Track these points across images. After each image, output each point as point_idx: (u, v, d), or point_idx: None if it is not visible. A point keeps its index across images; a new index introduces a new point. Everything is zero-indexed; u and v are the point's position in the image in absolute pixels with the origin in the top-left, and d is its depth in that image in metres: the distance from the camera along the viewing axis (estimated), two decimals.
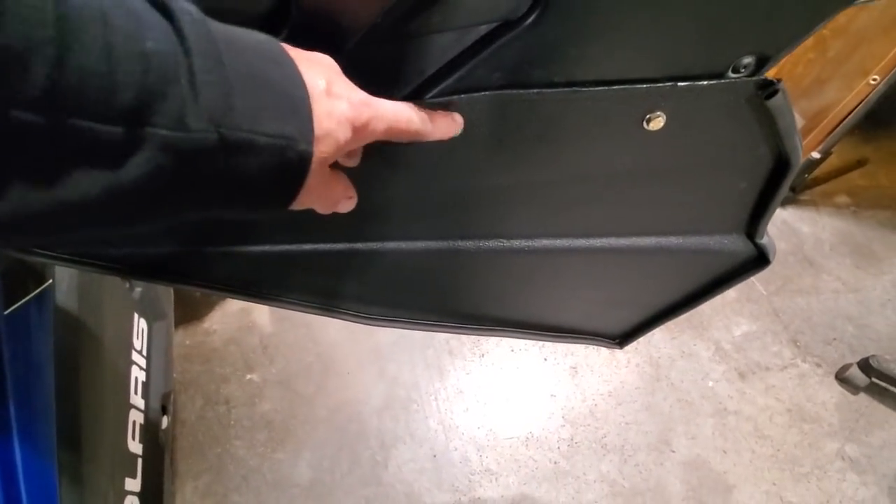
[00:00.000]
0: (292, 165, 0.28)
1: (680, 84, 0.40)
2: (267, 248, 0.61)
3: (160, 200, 0.24)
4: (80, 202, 0.21)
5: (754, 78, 0.40)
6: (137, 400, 0.88)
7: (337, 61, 0.35)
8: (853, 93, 1.48)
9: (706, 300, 0.65)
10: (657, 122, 0.43)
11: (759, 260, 0.58)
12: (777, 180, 0.49)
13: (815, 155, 1.61)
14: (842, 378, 1.50)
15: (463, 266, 0.63)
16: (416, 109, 0.38)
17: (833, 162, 1.74)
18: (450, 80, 0.41)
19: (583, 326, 0.75)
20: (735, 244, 0.57)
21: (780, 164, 0.47)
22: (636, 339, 0.74)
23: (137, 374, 0.89)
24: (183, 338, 1.47)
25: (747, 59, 0.39)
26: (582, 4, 0.36)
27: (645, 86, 0.40)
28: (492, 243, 0.60)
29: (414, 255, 0.61)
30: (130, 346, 0.89)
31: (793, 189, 1.80)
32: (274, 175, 0.27)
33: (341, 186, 0.37)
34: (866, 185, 1.88)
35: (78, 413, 0.70)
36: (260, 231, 0.59)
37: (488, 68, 0.40)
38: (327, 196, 0.35)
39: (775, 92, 0.39)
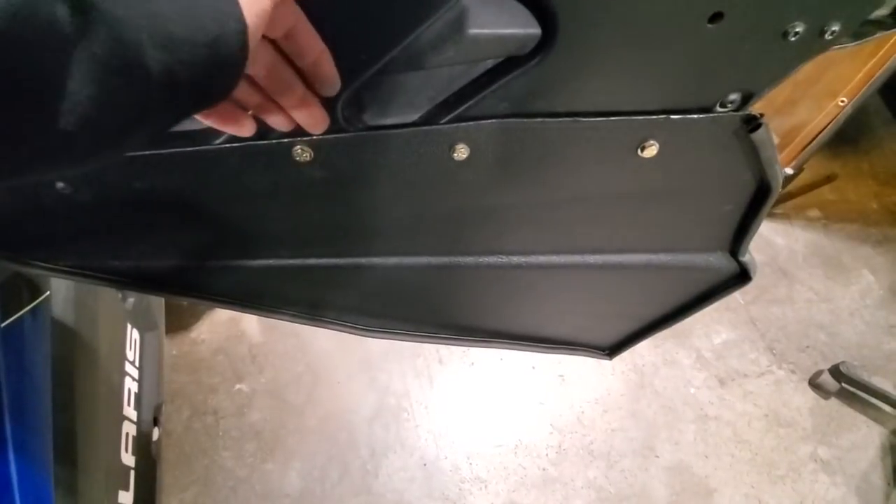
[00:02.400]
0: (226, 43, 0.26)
1: (672, 117, 0.43)
2: (269, 262, 0.62)
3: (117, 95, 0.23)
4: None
5: (740, 112, 0.43)
6: (130, 412, 0.87)
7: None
8: (823, 113, 1.56)
9: (692, 314, 0.68)
10: (651, 150, 0.46)
11: (742, 276, 0.61)
12: (759, 204, 0.53)
13: (789, 171, 1.68)
14: (815, 384, 1.57)
15: (460, 280, 0.65)
16: None
17: (805, 177, 1.83)
18: (460, 109, 0.44)
19: (574, 338, 0.78)
20: (719, 261, 0.61)
21: (762, 189, 0.51)
22: (625, 350, 0.77)
23: (130, 386, 0.89)
24: (170, 347, 1.46)
25: (734, 96, 0.42)
26: (585, 46, 0.39)
27: (640, 117, 0.44)
28: (490, 259, 0.62)
29: (414, 270, 0.63)
30: (124, 358, 0.89)
31: None
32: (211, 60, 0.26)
33: (309, 39, 0.33)
34: (835, 200, 1.97)
35: (73, 426, 0.70)
36: (262, 245, 0.61)
37: (496, 99, 0.43)
38: (270, 66, 0.32)
39: (759, 126, 0.43)
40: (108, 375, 0.82)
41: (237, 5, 0.27)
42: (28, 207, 0.52)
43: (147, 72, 0.24)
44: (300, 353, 1.49)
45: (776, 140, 1.81)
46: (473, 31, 0.38)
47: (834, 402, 1.55)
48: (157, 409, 0.99)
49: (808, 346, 1.65)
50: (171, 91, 0.25)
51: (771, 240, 1.87)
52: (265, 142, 0.44)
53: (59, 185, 0.48)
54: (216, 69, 0.27)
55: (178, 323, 1.49)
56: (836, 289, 1.77)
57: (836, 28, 0.38)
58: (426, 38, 0.38)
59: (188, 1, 0.25)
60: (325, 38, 0.35)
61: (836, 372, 1.52)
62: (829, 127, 1.58)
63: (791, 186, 1.83)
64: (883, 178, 2.03)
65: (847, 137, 1.98)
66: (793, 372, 1.60)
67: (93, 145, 0.24)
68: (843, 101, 1.51)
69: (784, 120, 1.66)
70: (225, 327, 1.51)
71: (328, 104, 0.41)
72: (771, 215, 1.93)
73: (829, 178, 1.93)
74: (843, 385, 1.53)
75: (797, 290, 1.76)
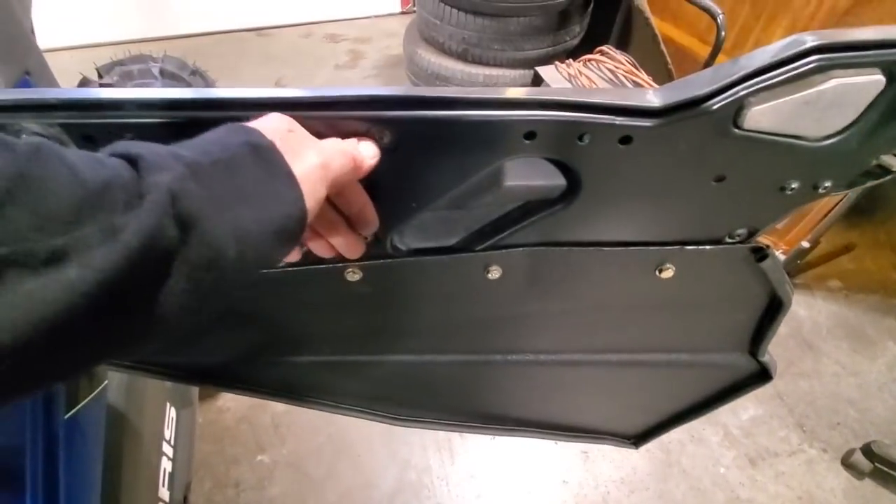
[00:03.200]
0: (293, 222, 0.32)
1: (686, 247, 0.48)
2: (311, 358, 0.67)
3: (135, 281, 0.25)
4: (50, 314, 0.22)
5: (747, 245, 0.48)
6: (164, 492, 0.89)
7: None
8: None
9: (717, 408, 0.70)
10: (668, 272, 0.51)
11: (763, 375, 0.64)
12: (773, 315, 0.56)
13: (805, 244, 1.71)
14: (847, 463, 1.51)
15: (489, 374, 0.69)
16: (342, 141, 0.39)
17: (823, 248, 1.85)
18: (494, 239, 0.49)
19: (600, 427, 0.79)
20: (739, 361, 0.64)
21: (776, 303, 0.55)
22: (651, 440, 0.78)
23: (166, 466, 0.91)
24: (197, 416, 1.48)
25: (741, 230, 0.47)
26: (605, 198, 0.44)
27: (657, 248, 0.49)
28: (518, 357, 0.66)
29: (445, 366, 0.67)
30: (161, 437, 0.92)
31: (788, 273, 1.89)
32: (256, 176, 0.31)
33: (358, 201, 0.40)
34: (855, 269, 1.97)
35: None
36: (307, 344, 0.65)
37: (525, 232, 0.49)
38: (352, 209, 0.39)
39: (765, 256, 0.48)
40: (149, 457, 0.85)
41: (301, 197, 0.33)
42: None
43: (226, 262, 0.29)
44: (322, 423, 1.50)
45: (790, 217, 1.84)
46: (509, 183, 0.45)
47: (868, 483, 1.48)
48: (187, 488, 1.01)
49: (838, 423, 1.60)
50: (242, 267, 0.30)
51: (794, 311, 1.86)
52: (323, 266, 0.50)
53: None
54: (280, 245, 0.33)
55: (204, 391, 1.52)
56: (862, 362, 1.73)
57: (828, 183, 0.43)
58: (468, 187, 0.45)
59: (262, 201, 0.31)
60: (378, 189, 0.41)
61: (868, 451, 1.47)
62: (842, 201, 1.62)
63: (810, 257, 1.84)
64: None
65: (863, 208, 2.00)
66: (824, 451, 1.54)
67: (178, 323, 0.29)
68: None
69: None
70: (249, 397, 1.54)
71: (380, 237, 0.47)
72: (792, 285, 1.93)
73: (847, 248, 1.94)
74: (877, 465, 1.46)
75: (823, 364, 1.73)
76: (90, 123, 0.36)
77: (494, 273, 0.52)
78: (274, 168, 0.32)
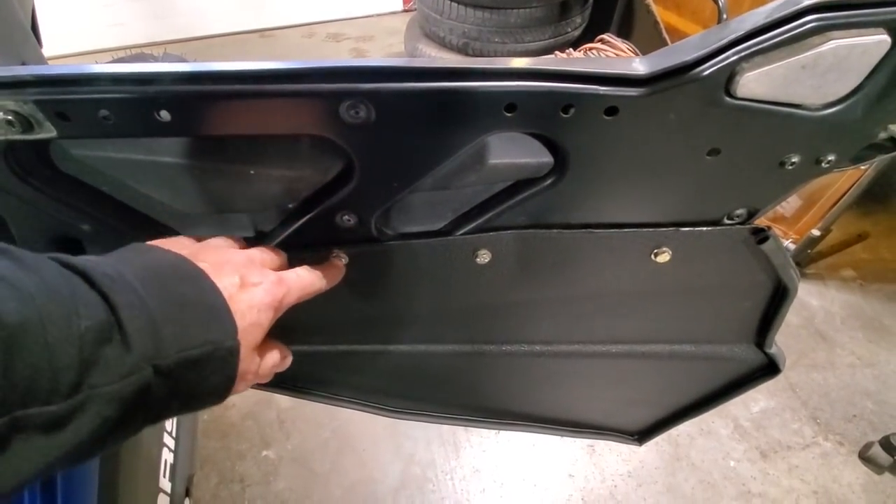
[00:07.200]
0: (224, 360, 0.32)
1: (682, 229, 0.46)
2: (303, 348, 0.66)
3: (111, 436, 0.28)
4: (37, 471, 0.25)
5: (746, 225, 0.46)
6: (165, 483, 0.89)
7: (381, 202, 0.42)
8: (845, 176, 1.56)
9: (722, 403, 0.67)
10: (664, 257, 0.49)
11: (770, 368, 0.61)
12: (779, 302, 0.53)
13: (815, 232, 1.67)
14: (865, 457, 1.47)
15: (484, 366, 0.67)
16: (311, 270, 0.43)
17: (835, 236, 1.80)
18: (480, 221, 0.48)
19: (602, 423, 0.77)
20: (745, 353, 0.61)
21: (781, 290, 0.52)
22: (655, 436, 0.76)
23: (167, 457, 0.91)
24: (201, 412, 1.49)
25: (740, 210, 0.45)
26: (593, 175, 0.43)
27: (650, 229, 0.47)
28: (513, 347, 0.64)
29: (439, 356, 0.65)
30: (163, 428, 0.92)
31: (798, 263, 1.85)
32: (210, 374, 0.32)
33: (276, 356, 0.41)
34: (869, 259, 1.92)
35: (115, 500, 0.72)
36: (298, 334, 0.64)
37: (513, 213, 0.47)
38: (265, 371, 0.40)
39: (766, 238, 0.45)
40: (149, 448, 0.86)
41: (236, 371, 0.33)
42: None
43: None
44: (327, 419, 1.50)
45: (797, 202, 1.80)
46: (493, 160, 0.43)
47: (888, 478, 1.44)
48: (189, 480, 1.01)
49: (854, 416, 1.56)
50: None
51: (805, 301, 1.81)
52: (308, 253, 0.49)
53: None
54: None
55: None
56: (880, 353, 1.69)
57: (831, 158, 0.41)
58: (451, 166, 0.43)
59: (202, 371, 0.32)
60: (357, 168, 0.40)
61: (887, 444, 1.42)
62: (853, 188, 1.58)
63: (822, 246, 1.80)
64: None
65: (877, 196, 1.95)
66: (840, 444, 1.50)
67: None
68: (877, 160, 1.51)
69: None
70: (255, 392, 1.54)
71: (364, 219, 0.46)
72: (803, 275, 1.89)
73: (860, 237, 1.89)
74: None
75: (838, 355, 1.68)
76: (64, 99, 0.35)
77: (483, 257, 0.51)
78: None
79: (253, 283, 0.36)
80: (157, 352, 0.29)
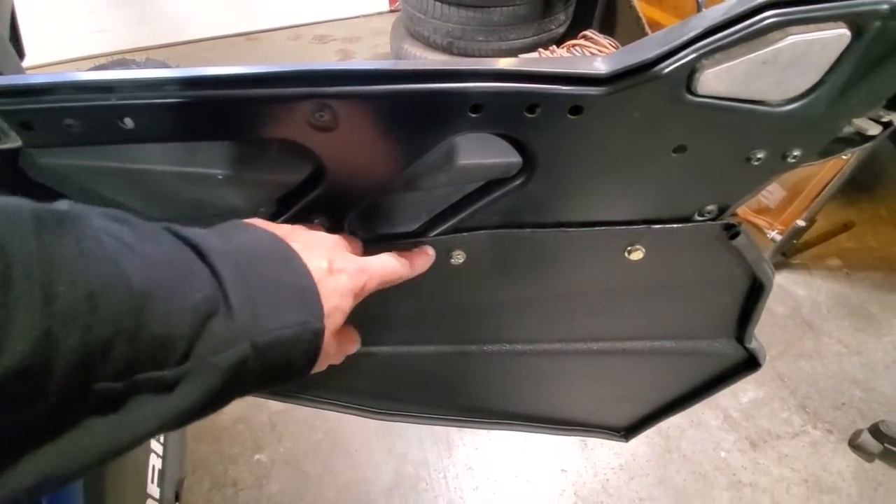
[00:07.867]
0: (309, 342, 0.34)
1: (653, 227, 0.47)
2: None
3: (211, 406, 0.29)
4: (146, 433, 0.26)
5: (718, 221, 0.46)
6: (153, 489, 0.89)
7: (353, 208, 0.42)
8: (828, 165, 1.58)
9: (706, 397, 0.68)
10: (637, 254, 0.49)
11: (751, 362, 0.61)
12: (756, 297, 0.54)
13: (800, 223, 1.68)
14: (855, 445, 1.49)
15: (470, 366, 0.68)
16: (398, 256, 0.44)
17: (821, 226, 1.82)
18: (453, 221, 0.48)
19: (588, 420, 0.78)
20: (726, 347, 0.61)
21: (756, 285, 0.53)
22: (641, 432, 0.76)
23: (155, 462, 0.91)
24: None
25: (710, 206, 0.45)
26: (562, 174, 0.43)
27: (622, 227, 0.47)
28: (494, 347, 0.64)
29: (424, 358, 0.65)
30: None
31: (783, 254, 1.86)
32: (296, 354, 0.33)
33: (350, 341, 0.43)
34: (856, 248, 1.94)
35: None
36: None
37: (486, 213, 0.47)
38: (339, 354, 0.42)
39: (738, 234, 0.46)
40: (136, 454, 0.85)
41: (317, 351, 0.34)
42: None
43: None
44: (318, 420, 1.50)
45: (781, 193, 1.82)
46: (462, 161, 0.43)
47: (879, 466, 1.46)
48: (179, 485, 1.01)
49: (843, 404, 1.58)
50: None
51: (791, 291, 1.83)
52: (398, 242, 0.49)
53: None
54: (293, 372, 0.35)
55: None
56: (867, 341, 1.71)
57: (797, 152, 0.41)
58: (420, 167, 0.43)
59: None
60: (328, 170, 0.40)
61: (876, 432, 1.44)
62: (836, 178, 1.59)
63: (807, 236, 1.82)
64: None
65: (862, 185, 1.97)
66: (830, 432, 1.52)
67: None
68: (847, 154, 1.53)
69: (789, 174, 1.68)
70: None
71: (337, 221, 0.46)
72: (789, 266, 1.91)
73: (846, 227, 1.91)
74: (886, 446, 1.44)
75: (825, 344, 1.70)
76: (27, 109, 0.35)
77: (458, 258, 0.51)
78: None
79: (339, 268, 0.37)
80: (255, 328, 0.30)
